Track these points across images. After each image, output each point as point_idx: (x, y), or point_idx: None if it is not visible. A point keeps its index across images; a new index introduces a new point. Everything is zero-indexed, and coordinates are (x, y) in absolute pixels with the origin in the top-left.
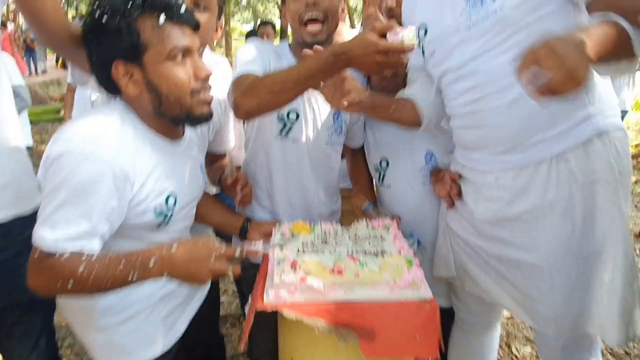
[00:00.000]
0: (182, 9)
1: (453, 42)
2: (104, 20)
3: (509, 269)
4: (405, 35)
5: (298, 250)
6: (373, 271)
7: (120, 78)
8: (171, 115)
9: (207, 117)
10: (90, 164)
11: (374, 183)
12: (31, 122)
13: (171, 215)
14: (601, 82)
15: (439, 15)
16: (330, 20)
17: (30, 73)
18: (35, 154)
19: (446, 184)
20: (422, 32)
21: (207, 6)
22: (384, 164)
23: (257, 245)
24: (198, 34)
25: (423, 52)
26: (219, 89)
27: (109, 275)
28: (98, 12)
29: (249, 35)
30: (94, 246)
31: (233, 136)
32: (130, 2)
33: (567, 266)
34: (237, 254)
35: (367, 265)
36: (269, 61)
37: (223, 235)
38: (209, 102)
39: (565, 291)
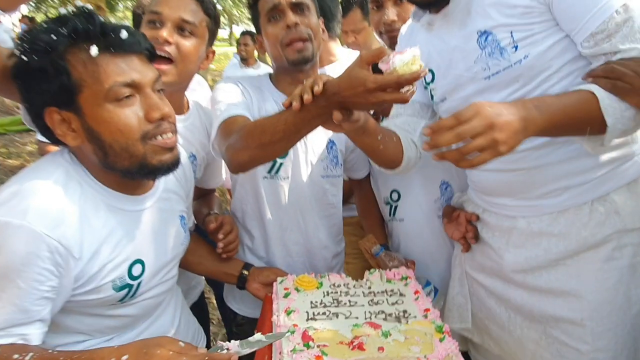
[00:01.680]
0: (124, 35)
1: (470, 91)
2: (27, 60)
3: (545, 324)
4: (398, 61)
5: (308, 316)
6: (399, 343)
7: (56, 127)
8: (121, 168)
9: (170, 166)
10: (19, 241)
11: (385, 217)
12: None
13: (138, 286)
14: None
15: (447, 61)
16: (313, 38)
17: None
18: (0, 169)
19: (461, 225)
20: (428, 77)
21: (194, 31)
22: (394, 195)
23: (232, 347)
24: (177, 71)
25: (432, 96)
26: (206, 115)
27: None
28: (20, 49)
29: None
30: (31, 333)
31: (224, 169)
32: (55, 34)
33: (613, 324)
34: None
35: (390, 335)
36: (251, 98)
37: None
38: (170, 147)
39: (609, 355)
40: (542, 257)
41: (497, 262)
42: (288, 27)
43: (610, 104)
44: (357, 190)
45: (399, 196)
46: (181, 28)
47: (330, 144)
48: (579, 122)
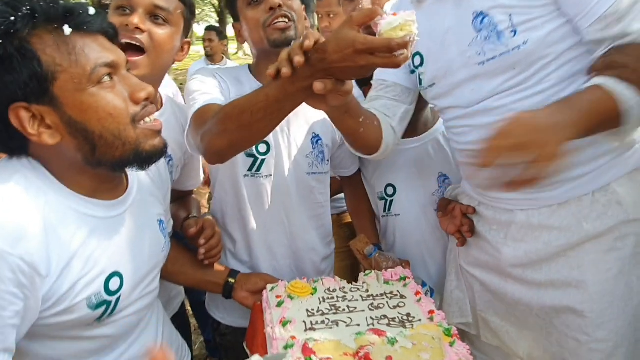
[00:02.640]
0: (92, 12)
1: (462, 77)
2: None
3: (544, 318)
4: (386, 24)
5: (305, 326)
6: (407, 350)
7: (27, 127)
8: (112, 160)
9: (161, 151)
10: None
11: (377, 214)
12: None
13: (117, 302)
14: None
15: (438, 44)
16: (297, 21)
17: None
18: None
19: (456, 218)
20: (416, 60)
21: (168, 19)
22: (390, 190)
23: None
24: (149, 62)
25: (420, 81)
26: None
27: None
28: None
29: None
30: None
31: (201, 170)
32: (14, 15)
33: (614, 315)
34: None
35: (397, 343)
36: (228, 89)
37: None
38: (158, 130)
39: (609, 345)
40: (542, 251)
41: (495, 256)
42: (271, 9)
43: (622, 92)
44: (347, 188)
45: (395, 191)
46: (154, 15)
47: (316, 138)
48: (603, 117)
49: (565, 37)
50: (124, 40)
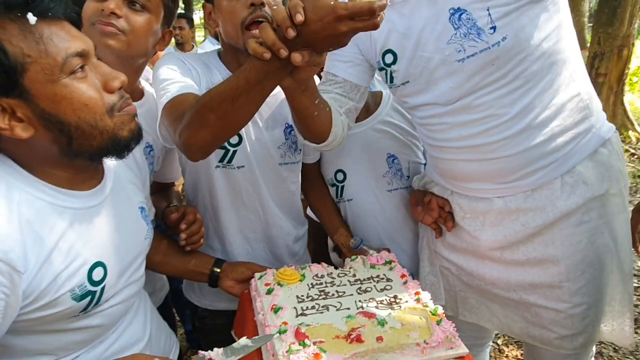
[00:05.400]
0: None
1: (440, 74)
2: None
3: (522, 293)
4: None
5: (297, 312)
6: (396, 330)
7: None
8: (90, 151)
9: (138, 135)
10: None
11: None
12: None
13: (102, 292)
14: (592, 89)
15: (412, 43)
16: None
17: None
18: None
19: (434, 210)
20: (388, 58)
21: (146, 5)
22: (340, 176)
23: (215, 356)
24: (126, 43)
25: (392, 79)
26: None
27: None
28: None
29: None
30: None
31: None
32: None
33: (586, 280)
34: None
35: (387, 324)
36: (199, 76)
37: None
38: (134, 116)
39: (584, 308)
40: (521, 232)
41: (472, 242)
42: (252, 5)
43: None
44: (309, 177)
45: (345, 176)
46: (131, 1)
47: (289, 128)
48: None
49: (538, 30)
50: (99, 28)
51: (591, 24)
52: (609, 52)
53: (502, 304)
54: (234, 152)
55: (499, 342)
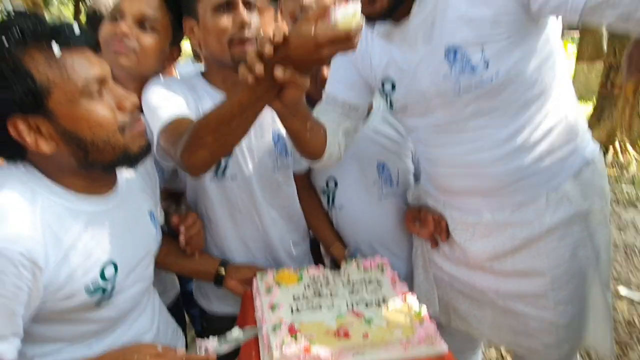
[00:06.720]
0: (77, 30)
1: (435, 104)
2: None
3: (509, 302)
4: (341, 15)
5: (292, 310)
6: (381, 328)
7: (25, 136)
8: (103, 163)
9: (147, 150)
10: None
11: (325, 207)
12: None
13: (113, 288)
14: (578, 109)
15: (410, 76)
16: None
17: None
18: None
19: (429, 225)
20: (387, 86)
21: (155, 27)
22: (331, 184)
23: (210, 345)
24: (137, 61)
25: (391, 104)
26: None
27: None
28: None
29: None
30: (4, 349)
31: None
32: (5, 38)
33: (570, 290)
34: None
35: (373, 322)
36: (187, 98)
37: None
38: (143, 133)
39: (568, 317)
40: (508, 244)
41: (463, 252)
42: (241, 25)
43: None
44: (300, 187)
45: (336, 184)
46: (141, 23)
47: (276, 136)
48: None
49: (531, 62)
50: (113, 47)
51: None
52: None
53: (491, 313)
54: (226, 164)
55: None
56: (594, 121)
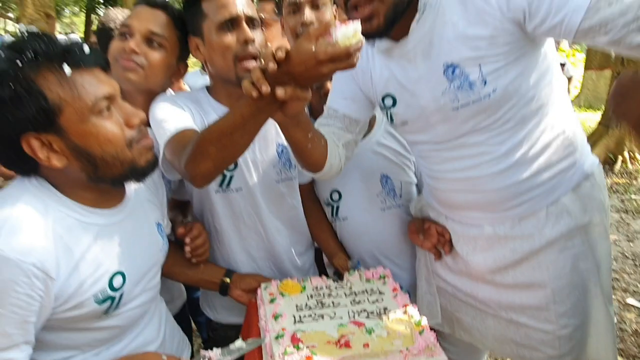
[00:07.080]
0: (87, 50)
1: (435, 119)
2: None
3: (512, 314)
4: (341, 34)
5: (295, 319)
6: (382, 338)
7: (38, 152)
8: (112, 177)
9: (154, 164)
10: None
11: (329, 218)
12: None
13: (121, 297)
14: (578, 123)
15: (409, 91)
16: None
17: None
18: None
19: (433, 236)
20: (388, 101)
21: (162, 44)
22: (335, 195)
23: (214, 356)
24: (144, 76)
25: (392, 119)
26: None
27: None
28: None
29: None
30: (16, 356)
31: None
32: (19, 59)
33: (572, 304)
34: None
35: (374, 332)
36: (192, 113)
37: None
38: (150, 147)
39: (570, 329)
40: (509, 257)
41: (465, 265)
42: (245, 42)
43: None
44: (304, 198)
45: (340, 196)
46: (149, 40)
47: (281, 148)
48: None
49: (528, 79)
50: (122, 63)
51: None
52: (633, 72)
53: (494, 324)
54: (231, 176)
55: None
56: (603, 130)
